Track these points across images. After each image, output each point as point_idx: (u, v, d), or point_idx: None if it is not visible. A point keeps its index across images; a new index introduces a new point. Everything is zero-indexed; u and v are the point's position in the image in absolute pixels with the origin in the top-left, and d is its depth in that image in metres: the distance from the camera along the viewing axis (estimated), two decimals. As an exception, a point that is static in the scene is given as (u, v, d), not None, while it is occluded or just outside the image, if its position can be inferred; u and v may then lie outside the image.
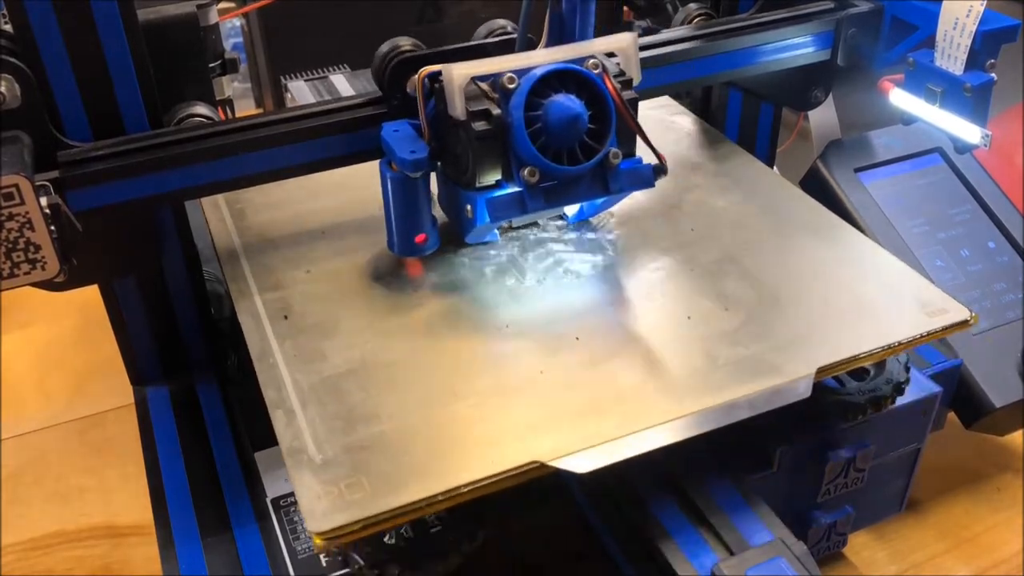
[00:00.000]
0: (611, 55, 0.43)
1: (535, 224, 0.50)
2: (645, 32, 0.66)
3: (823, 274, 0.47)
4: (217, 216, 0.52)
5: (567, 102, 0.40)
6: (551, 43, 0.44)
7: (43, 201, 0.37)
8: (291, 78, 0.76)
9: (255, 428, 0.48)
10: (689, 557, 0.39)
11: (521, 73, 0.41)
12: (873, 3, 0.55)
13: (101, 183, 0.41)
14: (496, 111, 0.41)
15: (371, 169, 0.46)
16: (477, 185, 0.42)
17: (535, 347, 0.42)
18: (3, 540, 0.55)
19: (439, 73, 0.41)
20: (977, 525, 0.55)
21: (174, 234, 0.48)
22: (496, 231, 0.49)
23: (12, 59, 0.39)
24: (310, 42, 0.78)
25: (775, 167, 0.66)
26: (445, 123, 0.42)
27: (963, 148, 0.52)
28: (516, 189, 0.42)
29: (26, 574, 0.53)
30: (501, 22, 0.47)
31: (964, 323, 0.43)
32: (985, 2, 0.49)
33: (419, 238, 0.45)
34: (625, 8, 0.72)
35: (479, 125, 0.41)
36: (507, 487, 0.36)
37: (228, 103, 0.54)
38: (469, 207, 0.43)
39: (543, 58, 0.41)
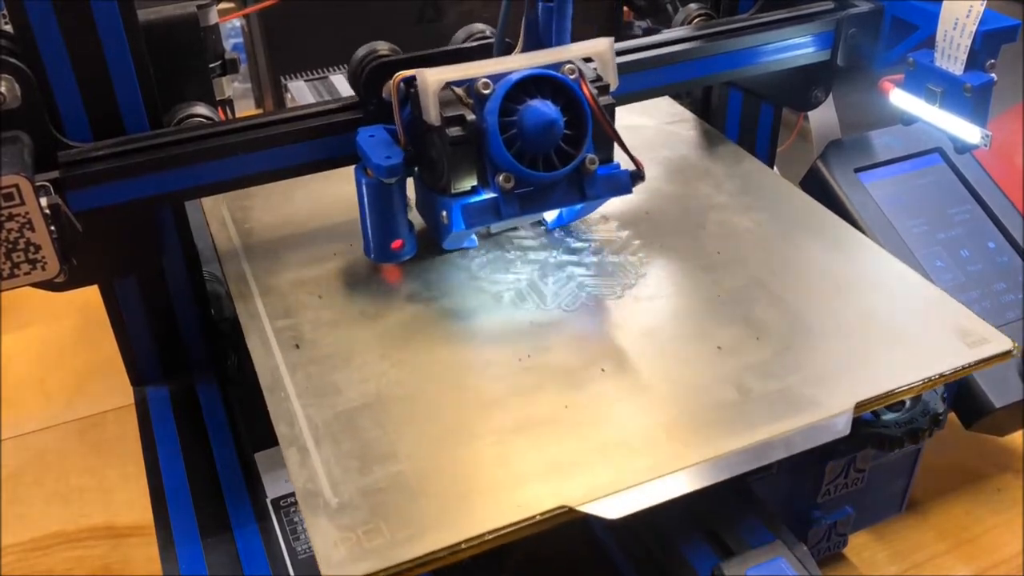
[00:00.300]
0: (588, 60, 0.43)
1: (556, 247, 0.49)
2: (645, 32, 0.67)
3: (854, 299, 0.45)
4: (217, 216, 0.52)
5: (542, 108, 0.40)
6: (528, 48, 0.44)
7: (43, 201, 0.37)
8: (291, 78, 0.76)
9: (255, 428, 0.48)
10: (689, 557, 0.39)
11: (496, 78, 0.40)
12: (873, 3, 0.55)
13: (101, 183, 0.41)
14: (471, 117, 0.40)
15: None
16: (452, 191, 0.42)
17: (558, 379, 0.40)
18: (3, 540, 0.55)
19: (414, 78, 0.41)
20: (977, 526, 0.55)
21: (174, 234, 0.48)
22: (474, 237, 0.48)
23: (12, 59, 0.39)
24: (310, 42, 0.78)
25: (775, 167, 0.66)
26: (420, 128, 0.42)
27: (963, 148, 0.52)
28: (491, 195, 0.41)
29: (26, 574, 0.53)
30: (480, 26, 0.47)
31: (1007, 354, 0.41)
32: (985, 2, 0.49)
33: (395, 244, 0.45)
34: (625, 8, 0.72)
35: (453, 131, 0.40)
36: (533, 533, 0.34)
37: (228, 103, 0.54)
38: (444, 213, 0.43)
39: (519, 63, 0.41)
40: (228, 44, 0.70)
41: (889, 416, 0.45)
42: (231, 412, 0.50)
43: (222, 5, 0.74)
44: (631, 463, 0.36)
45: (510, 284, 0.46)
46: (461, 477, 0.36)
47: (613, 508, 0.34)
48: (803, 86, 0.58)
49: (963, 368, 0.41)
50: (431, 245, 0.48)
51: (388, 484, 0.35)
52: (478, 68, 0.41)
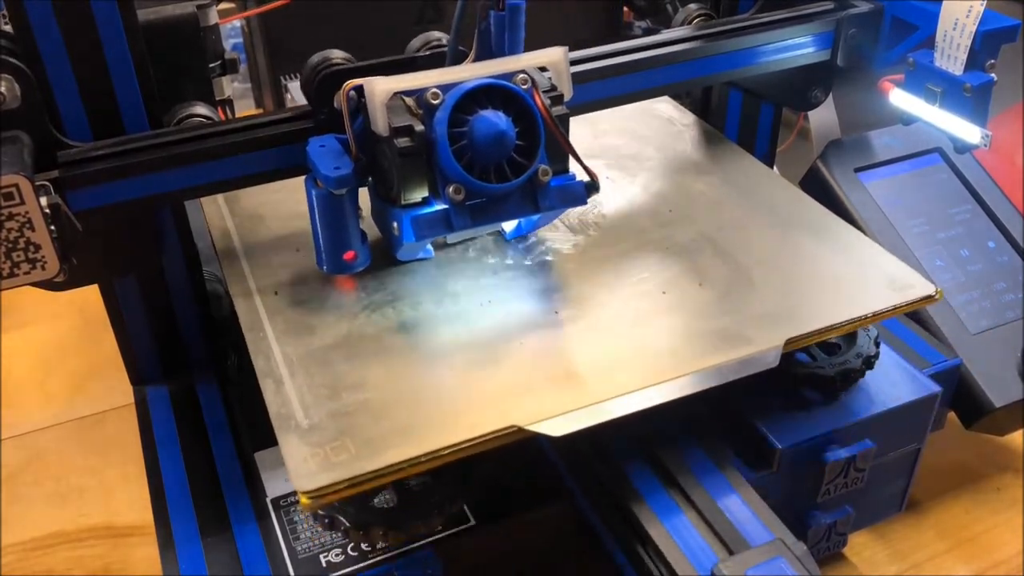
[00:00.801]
0: (543, 69, 0.43)
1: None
2: (645, 32, 0.67)
3: (793, 252, 0.48)
4: (217, 216, 0.52)
5: (493, 118, 0.39)
6: (480, 57, 0.43)
7: (43, 201, 0.37)
8: (291, 78, 0.76)
9: (255, 428, 0.48)
10: (689, 557, 0.39)
11: (447, 88, 0.40)
12: (873, 3, 0.55)
13: (101, 183, 0.41)
14: (420, 127, 0.40)
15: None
16: (403, 202, 0.41)
17: (516, 321, 0.44)
18: (3, 540, 0.55)
19: (363, 87, 0.40)
20: (977, 525, 0.55)
21: (174, 234, 0.48)
22: (430, 247, 0.48)
23: (12, 59, 0.39)
24: (310, 42, 0.78)
25: (775, 167, 0.66)
26: (371, 139, 0.42)
27: (963, 148, 0.52)
28: (443, 207, 0.41)
29: (26, 574, 0.53)
30: (437, 34, 0.46)
31: (929, 298, 0.45)
32: (985, 2, 0.49)
33: (348, 255, 0.44)
34: (625, 8, 0.72)
35: (402, 141, 0.40)
36: (486, 450, 0.37)
37: (228, 103, 0.54)
38: (396, 224, 0.43)
39: (470, 73, 0.41)
40: (228, 44, 0.70)
41: (824, 358, 0.48)
42: (231, 412, 0.50)
43: (222, 5, 0.74)
44: (578, 392, 0.39)
45: (475, 243, 0.49)
46: (422, 403, 0.39)
47: (558, 427, 0.38)
48: (803, 86, 0.58)
49: (889, 310, 0.44)
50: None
51: (355, 408, 0.39)
52: (428, 78, 0.40)
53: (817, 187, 0.60)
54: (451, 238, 0.48)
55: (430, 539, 0.42)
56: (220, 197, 0.53)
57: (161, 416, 0.50)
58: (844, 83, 0.59)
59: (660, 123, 0.62)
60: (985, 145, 0.50)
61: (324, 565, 0.42)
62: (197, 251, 0.50)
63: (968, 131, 0.51)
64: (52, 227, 0.37)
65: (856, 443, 0.46)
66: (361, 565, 0.41)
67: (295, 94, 0.73)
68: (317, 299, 0.45)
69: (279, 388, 0.40)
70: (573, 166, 0.43)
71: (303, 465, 0.36)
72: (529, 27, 0.44)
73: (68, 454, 0.61)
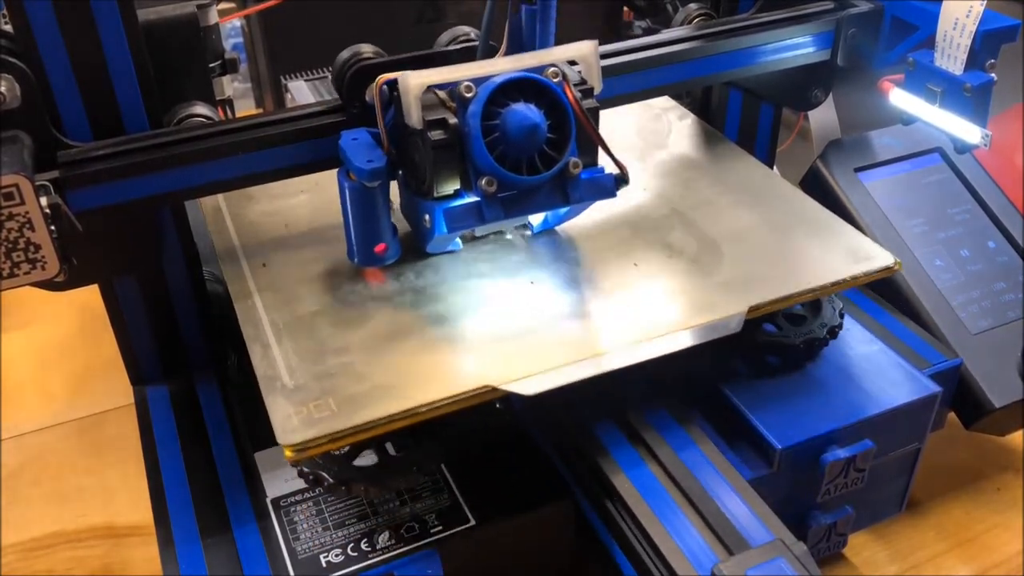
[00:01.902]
0: (572, 63, 0.43)
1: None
2: (645, 32, 0.67)
3: (761, 228, 0.50)
4: (217, 216, 0.52)
5: (525, 111, 0.40)
6: (511, 51, 0.43)
7: (43, 201, 0.37)
8: (291, 78, 0.76)
9: (255, 428, 0.48)
10: (689, 557, 0.39)
11: (479, 82, 0.40)
12: (873, 3, 0.55)
13: (101, 183, 0.41)
14: (453, 120, 0.40)
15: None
16: (435, 195, 0.42)
17: (493, 291, 0.46)
18: (3, 540, 0.55)
19: (397, 81, 0.41)
20: (977, 525, 0.55)
21: (174, 234, 0.48)
22: (459, 240, 0.48)
23: (12, 59, 0.39)
24: (310, 42, 0.78)
25: (775, 167, 0.66)
26: (403, 132, 0.42)
27: (963, 148, 0.52)
28: (474, 199, 0.41)
29: (26, 574, 0.53)
30: (465, 29, 0.47)
31: (888, 269, 0.47)
32: (985, 2, 0.49)
33: (379, 248, 0.45)
34: (625, 8, 0.72)
35: (436, 134, 0.40)
36: (461, 408, 0.39)
37: (228, 103, 0.54)
38: (427, 217, 0.43)
39: (502, 66, 0.41)
40: (228, 44, 0.70)
41: (790, 328, 0.50)
42: (231, 412, 0.50)
43: (222, 5, 0.74)
44: (551, 356, 0.41)
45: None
46: (402, 366, 0.41)
47: (529, 386, 0.40)
48: (803, 86, 0.58)
49: (849, 279, 0.46)
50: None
51: (338, 371, 0.41)
52: (461, 71, 0.41)
53: (817, 187, 0.60)
54: (480, 230, 0.49)
55: (430, 539, 0.42)
56: (220, 197, 0.53)
57: (161, 416, 0.50)
58: (844, 83, 0.59)
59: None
60: (985, 145, 0.50)
61: (324, 565, 0.42)
62: (197, 251, 0.50)
63: (968, 131, 0.51)
64: (52, 227, 0.37)
65: (856, 443, 0.46)
66: (361, 565, 0.41)
67: (295, 94, 0.73)
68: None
69: (266, 352, 0.42)
70: (602, 159, 0.44)
71: (287, 421, 0.38)
72: (495, 34, 0.44)
73: (68, 454, 0.61)
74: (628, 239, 0.49)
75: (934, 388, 0.48)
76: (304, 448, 0.37)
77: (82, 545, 0.55)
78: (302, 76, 0.76)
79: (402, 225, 0.47)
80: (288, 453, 0.37)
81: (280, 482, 0.45)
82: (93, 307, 0.51)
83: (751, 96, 0.63)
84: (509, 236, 0.49)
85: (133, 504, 0.57)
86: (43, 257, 0.37)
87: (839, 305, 0.51)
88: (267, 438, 0.39)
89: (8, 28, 0.41)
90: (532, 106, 0.40)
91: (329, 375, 0.40)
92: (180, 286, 0.50)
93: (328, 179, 0.48)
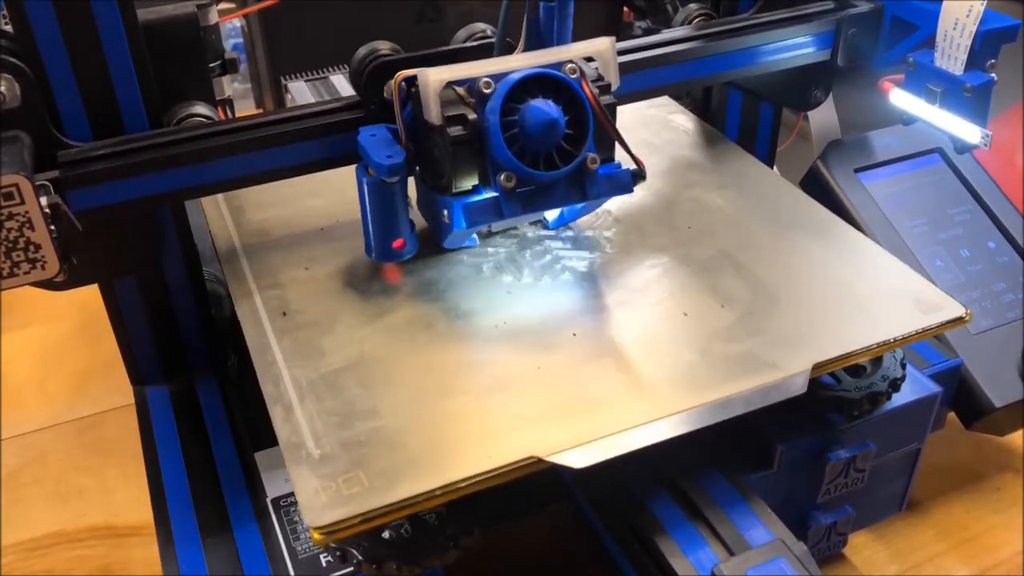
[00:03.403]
0: (589, 59, 0.43)
1: (534, 224, 0.50)
2: (645, 32, 0.67)
3: (819, 271, 0.47)
4: (217, 216, 0.52)
5: (544, 107, 0.40)
6: (529, 47, 0.44)
7: (43, 201, 0.37)
8: (291, 78, 0.76)
9: (255, 428, 0.48)
10: (689, 557, 0.39)
11: (498, 78, 0.40)
12: (873, 3, 0.55)
13: (101, 183, 0.41)
14: (472, 116, 0.40)
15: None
16: (454, 190, 0.42)
17: (532, 343, 0.42)
18: (3, 540, 0.55)
19: (415, 77, 0.41)
20: (977, 525, 0.55)
21: (174, 234, 0.48)
22: (475, 236, 0.48)
23: (12, 59, 0.39)
24: (310, 42, 0.78)
25: (775, 167, 0.66)
26: (422, 128, 0.42)
27: (963, 148, 0.52)
28: (493, 194, 0.42)
29: (26, 574, 0.53)
30: (481, 26, 0.47)
31: (959, 320, 0.43)
32: (985, 2, 0.49)
33: (396, 243, 0.45)
34: (625, 8, 0.72)
35: (455, 130, 0.40)
36: (504, 482, 0.36)
37: (228, 103, 0.54)
38: (446, 212, 0.43)
39: (520, 63, 0.41)
40: (228, 44, 0.70)
41: (849, 381, 0.47)
42: (231, 412, 0.50)
43: (222, 5, 0.74)
44: (598, 419, 0.38)
45: (489, 257, 0.48)
46: (437, 431, 0.38)
47: (579, 458, 0.36)
48: (803, 86, 0.58)
49: (917, 333, 0.43)
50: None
51: (367, 437, 0.37)
52: (479, 67, 0.41)
53: (817, 187, 0.60)
54: (496, 226, 0.49)
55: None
56: (220, 197, 0.53)
57: (161, 416, 0.50)
58: (844, 83, 0.59)
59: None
60: (985, 145, 0.50)
61: (324, 565, 0.41)
62: (197, 251, 0.50)
63: (968, 131, 0.51)
64: (52, 227, 0.37)
65: (856, 443, 0.46)
66: (361, 565, 0.41)
67: (295, 94, 0.73)
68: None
69: (289, 414, 0.39)
70: (619, 155, 0.44)
71: (315, 499, 0.34)
72: (510, 30, 0.44)
73: (68, 454, 0.61)
74: (672, 285, 0.46)
75: (934, 388, 0.48)
76: (333, 530, 0.34)
77: (82, 545, 0.55)
78: (302, 76, 0.76)
79: (418, 221, 0.47)
80: (316, 536, 0.34)
81: (280, 482, 0.45)
82: (93, 307, 0.51)
83: (751, 96, 0.62)
84: (547, 280, 0.47)
85: (133, 504, 0.57)
86: (43, 257, 0.37)
87: (900, 355, 0.48)
88: (267, 438, 0.39)
89: (8, 28, 0.41)
90: (550, 102, 0.40)
91: (358, 442, 0.37)
92: (180, 286, 0.50)
93: (334, 178, 0.48)
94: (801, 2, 0.55)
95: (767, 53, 0.54)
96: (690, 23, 0.58)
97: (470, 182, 0.42)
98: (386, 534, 0.40)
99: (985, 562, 0.53)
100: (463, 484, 0.35)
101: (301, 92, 0.73)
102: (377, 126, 0.44)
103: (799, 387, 0.40)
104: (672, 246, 0.49)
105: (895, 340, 0.42)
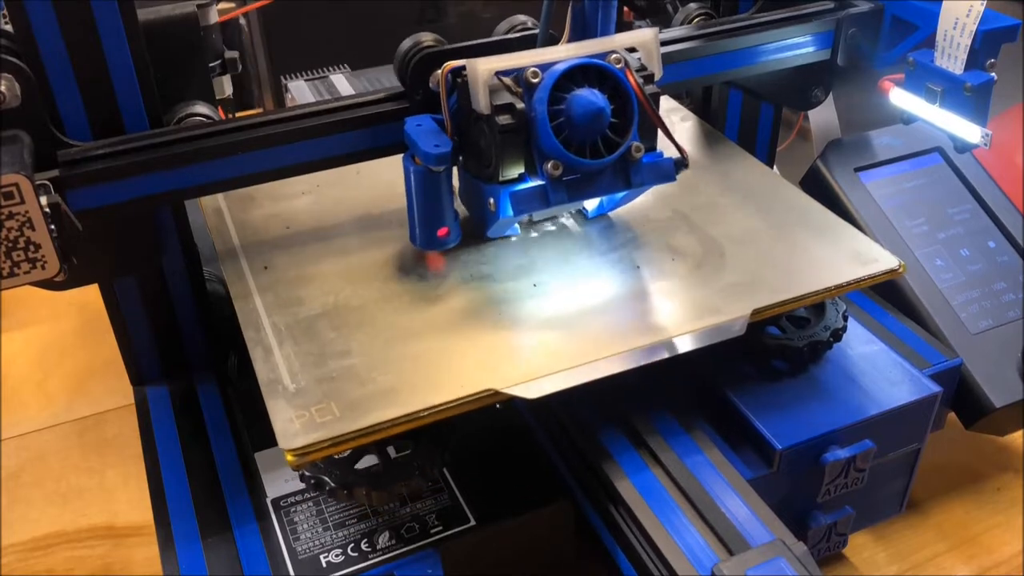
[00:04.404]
0: (632, 50, 0.43)
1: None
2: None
3: (765, 230, 0.50)
4: (217, 216, 0.52)
5: (590, 96, 0.40)
6: (573, 38, 0.44)
7: (43, 200, 0.37)
8: (291, 78, 0.76)
9: (255, 428, 0.48)
10: (689, 557, 0.39)
11: (544, 68, 0.41)
12: (873, 3, 0.55)
13: (101, 183, 0.41)
14: (520, 105, 0.41)
15: (371, 169, 0.46)
16: (500, 179, 0.42)
17: (496, 294, 0.45)
18: (3, 540, 0.55)
19: (462, 68, 0.41)
20: (977, 525, 0.55)
21: (174, 234, 0.48)
22: (517, 225, 0.49)
23: (12, 59, 0.39)
24: (310, 42, 0.78)
25: (775, 167, 0.66)
26: (467, 118, 0.43)
27: (963, 148, 0.52)
28: (539, 182, 0.42)
29: (26, 574, 0.53)
30: (522, 18, 0.48)
31: (893, 271, 0.47)
32: (985, 2, 0.49)
33: (441, 231, 0.46)
34: (625, 8, 0.72)
35: (503, 119, 0.41)
36: (464, 412, 0.39)
37: (228, 102, 0.54)
38: (492, 200, 0.44)
39: (566, 53, 0.42)
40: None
41: (794, 331, 0.49)
42: (231, 412, 0.50)
43: (222, 4, 0.74)
44: (555, 360, 0.41)
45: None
46: (405, 369, 0.41)
47: (532, 390, 0.40)
48: (803, 86, 0.58)
49: (853, 282, 0.46)
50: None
51: (340, 374, 0.40)
52: (526, 58, 0.41)
53: (817, 187, 0.60)
54: (537, 215, 0.50)
55: (430, 540, 0.42)
56: (220, 197, 0.53)
57: (161, 416, 0.50)
58: (844, 83, 0.59)
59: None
60: (985, 145, 0.50)
61: (324, 565, 0.42)
62: (197, 251, 0.50)
63: (968, 130, 0.51)
64: (52, 227, 0.37)
65: (856, 443, 0.46)
66: (361, 565, 0.41)
67: (295, 94, 0.73)
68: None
69: (268, 356, 0.42)
70: (661, 143, 0.44)
71: (289, 425, 0.37)
72: (551, 23, 0.45)
73: (68, 454, 0.61)
74: (627, 242, 0.49)
75: (934, 388, 0.48)
76: (306, 452, 0.37)
77: (82, 545, 0.55)
78: (302, 76, 0.76)
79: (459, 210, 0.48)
80: (289, 458, 0.36)
81: (280, 482, 0.46)
82: (93, 307, 0.51)
83: (751, 96, 0.62)
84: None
85: (133, 504, 0.57)
86: (43, 256, 0.37)
87: (843, 308, 0.51)
88: (267, 438, 0.39)
89: (8, 28, 0.41)
90: (596, 91, 0.41)
91: (331, 378, 0.40)
92: (180, 286, 0.50)
93: (328, 179, 0.48)
94: (801, 2, 0.55)
95: (767, 53, 0.54)
96: (690, 23, 0.58)
97: (516, 170, 0.42)
98: (358, 465, 0.43)
99: (985, 562, 0.53)
100: (425, 413, 0.38)
101: (301, 92, 0.73)
102: (422, 116, 0.45)
103: (739, 329, 0.43)
104: (633, 210, 0.51)
105: (830, 288, 0.45)
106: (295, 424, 0.38)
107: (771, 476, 0.45)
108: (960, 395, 0.54)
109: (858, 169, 0.61)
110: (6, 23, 0.41)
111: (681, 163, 0.44)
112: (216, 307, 0.53)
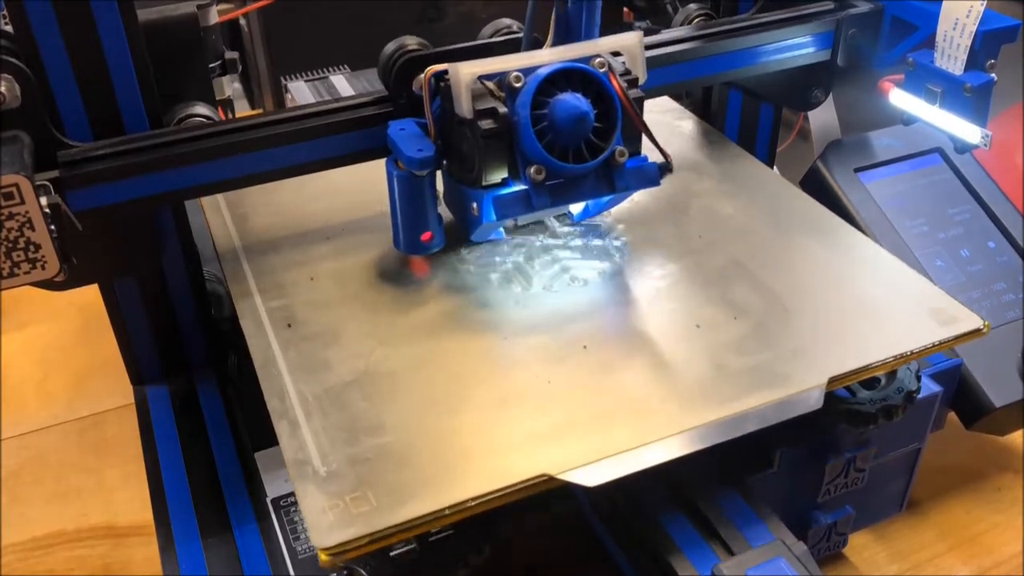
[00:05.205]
0: (617, 54, 0.43)
1: (541, 231, 0.50)
2: (645, 33, 0.66)
3: (831, 281, 0.46)
4: (217, 216, 0.52)
5: (573, 100, 0.40)
6: (557, 42, 0.44)
7: (43, 201, 0.37)
8: (291, 78, 0.76)
9: (255, 428, 0.48)
10: (689, 557, 0.39)
11: (527, 72, 0.41)
12: (873, 3, 0.55)
13: (101, 183, 0.41)
14: (503, 110, 0.41)
15: (371, 170, 0.46)
16: (483, 183, 0.42)
17: (541, 355, 0.42)
18: (3, 540, 0.55)
19: (445, 72, 0.41)
20: (977, 525, 0.55)
21: (174, 234, 0.48)
22: (501, 229, 0.49)
23: (12, 59, 0.39)
24: (310, 42, 0.78)
25: (775, 167, 0.66)
26: (451, 122, 0.42)
27: (963, 148, 0.52)
28: (522, 187, 0.42)
29: (26, 574, 0.53)
30: (507, 21, 0.47)
31: (977, 331, 0.42)
32: (985, 2, 0.49)
33: (425, 236, 0.45)
34: (625, 9, 0.72)
35: (486, 123, 0.41)
36: (514, 500, 0.35)
37: (228, 103, 0.54)
38: (475, 205, 0.43)
39: (549, 57, 0.41)
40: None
41: (864, 393, 0.46)
42: (231, 412, 0.50)
43: (222, 5, 0.74)
44: (610, 434, 0.37)
45: (497, 267, 0.47)
46: (446, 447, 0.37)
47: (591, 476, 0.35)
48: (803, 86, 0.58)
49: (934, 345, 0.42)
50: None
51: (375, 454, 0.36)
52: (509, 62, 0.41)
53: (817, 187, 0.60)
54: (523, 219, 0.49)
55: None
56: (220, 197, 0.53)
57: (161, 416, 0.50)
58: (844, 83, 0.59)
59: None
60: (985, 145, 0.50)
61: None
62: (197, 251, 0.50)
63: (968, 131, 0.51)
64: (52, 227, 0.37)
65: (856, 443, 0.46)
66: (361, 565, 0.41)
67: (295, 94, 0.73)
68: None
69: (295, 431, 0.38)
70: (645, 148, 0.44)
71: (322, 518, 0.34)
72: (536, 26, 0.45)
73: (68, 454, 0.61)
74: (683, 296, 0.45)
75: (934, 388, 0.48)
76: (341, 551, 0.33)
77: (82, 545, 0.55)
78: (302, 76, 0.76)
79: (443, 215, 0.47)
80: (323, 557, 0.33)
81: (280, 482, 0.45)
82: (93, 307, 0.51)
83: (751, 96, 0.62)
84: (555, 290, 0.46)
85: (133, 504, 0.57)
86: (43, 257, 0.37)
87: (915, 367, 0.47)
88: (267, 438, 0.39)
89: (8, 28, 0.41)
90: (579, 95, 0.40)
91: (365, 459, 0.36)
92: (180, 286, 0.50)
93: (334, 180, 0.48)
94: (801, 2, 0.55)
95: (767, 53, 0.54)
96: (690, 23, 0.58)
97: (500, 175, 0.42)
98: (393, 552, 0.39)
99: (985, 562, 0.53)
100: (473, 503, 0.34)
101: (301, 92, 0.73)
102: (405, 120, 0.44)
103: (815, 402, 0.39)
104: (683, 255, 0.48)
105: (912, 353, 0.41)
106: (328, 516, 0.34)
107: (771, 476, 0.45)
108: (960, 395, 0.54)
109: (858, 170, 0.61)
110: (6, 23, 0.41)
111: (666, 167, 0.44)
112: (216, 307, 0.53)
